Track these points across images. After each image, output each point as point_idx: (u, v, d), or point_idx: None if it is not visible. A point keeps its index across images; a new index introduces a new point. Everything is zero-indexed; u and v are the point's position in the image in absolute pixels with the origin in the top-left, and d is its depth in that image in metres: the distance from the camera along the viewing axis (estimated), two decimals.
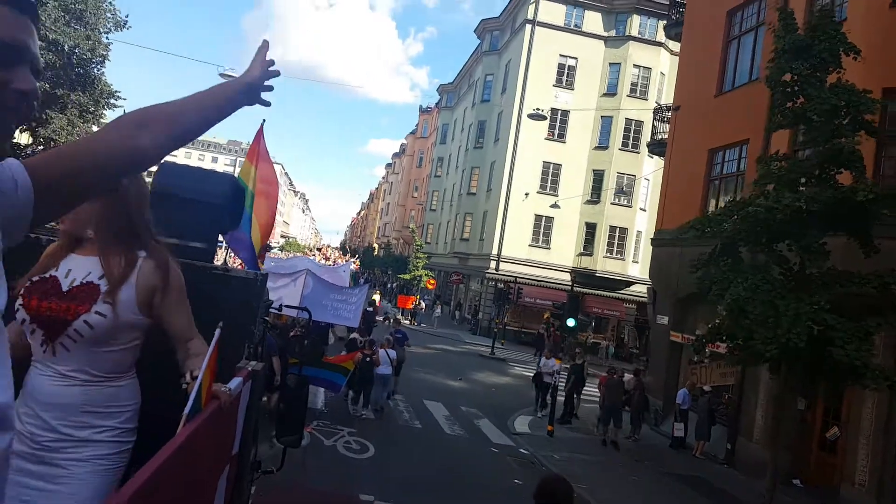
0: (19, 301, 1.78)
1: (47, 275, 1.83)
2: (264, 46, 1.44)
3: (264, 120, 5.51)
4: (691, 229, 8.41)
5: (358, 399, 12.07)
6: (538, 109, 17.21)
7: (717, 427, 13.53)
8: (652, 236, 17.07)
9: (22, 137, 26.36)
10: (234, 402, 1.72)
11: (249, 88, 1.38)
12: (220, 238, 3.24)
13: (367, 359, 11.74)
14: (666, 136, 17.62)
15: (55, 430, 1.75)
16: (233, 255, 10.13)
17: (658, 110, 18.52)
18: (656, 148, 18.34)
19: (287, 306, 7.12)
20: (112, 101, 28.19)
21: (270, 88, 1.45)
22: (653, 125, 18.96)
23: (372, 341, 12.96)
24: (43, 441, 1.74)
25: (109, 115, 29.62)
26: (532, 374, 15.41)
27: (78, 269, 1.84)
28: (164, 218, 2.22)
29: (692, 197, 15.41)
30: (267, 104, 1.48)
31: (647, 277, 32.92)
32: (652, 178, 32.14)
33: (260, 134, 5.43)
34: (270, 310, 3.37)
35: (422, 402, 14.32)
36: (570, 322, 13.56)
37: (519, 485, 9.67)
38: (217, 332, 1.68)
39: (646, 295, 33.16)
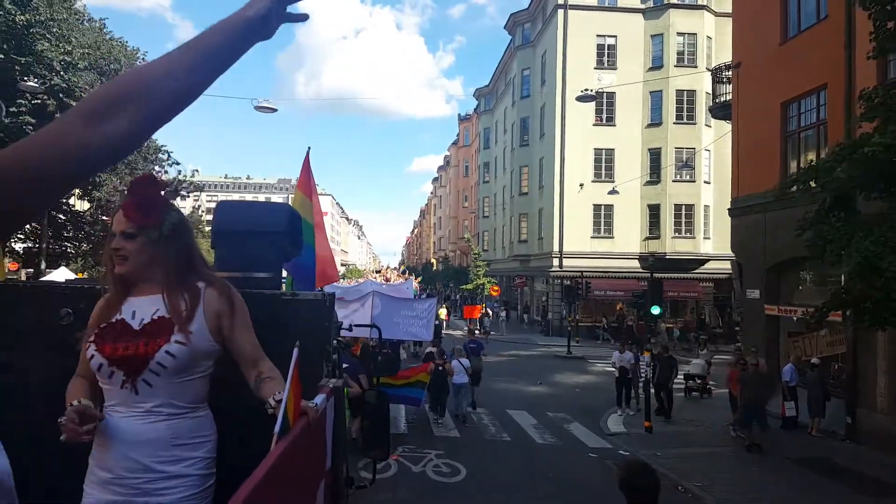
0: (92, 349, 1.82)
1: (113, 319, 1.87)
2: None
3: (309, 148, 5.36)
4: (796, 183, 7.36)
5: (436, 408, 12.48)
6: (586, 90, 16.27)
7: (832, 401, 12.21)
8: (728, 206, 15.80)
9: (78, 204, 27.36)
10: (321, 417, 1.76)
11: (252, 24, 1.05)
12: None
13: (440, 367, 12.11)
14: (729, 98, 16.36)
15: (149, 468, 1.77)
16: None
17: (717, 71, 17.23)
18: (720, 112, 17.06)
19: (357, 325, 7.75)
20: (160, 155, 29.04)
21: (305, 18, 1.15)
22: (713, 88, 17.67)
23: (442, 351, 13.21)
24: (136, 483, 1.76)
25: (158, 171, 30.53)
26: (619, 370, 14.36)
27: (143, 309, 1.88)
28: (229, 253, 2.38)
29: (769, 158, 14.15)
30: (304, 17, 1.17)
31: (723, 253, 31.27)
32: (713, 147, 30.48)
33: (307, 163, 5.25)
34: (342, 330, 3.61)
35: (506, 413, 13.56)
36: (655, 310, 12.53)
37: None
38: (295, 351, 1.75)
39: (722, 271, 31.51)
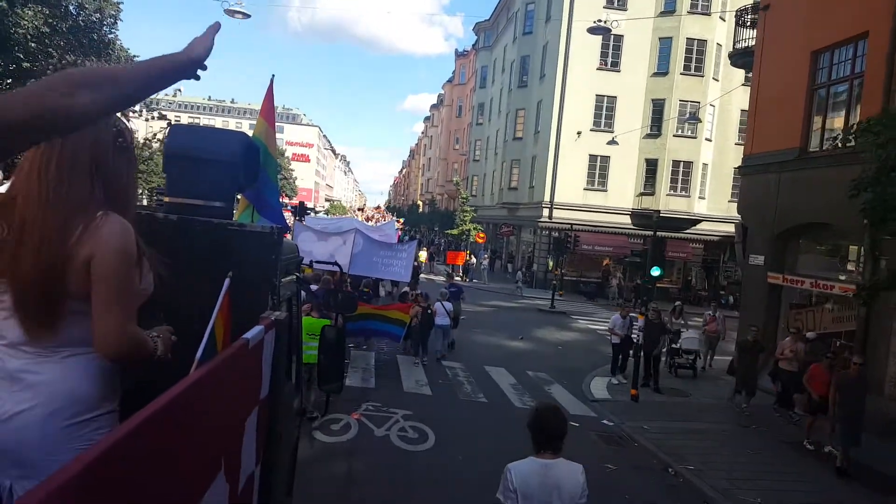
0: None
1: None
2: (215, 27, 1.46)
3: (273, 76, 4.93)
4: (865, 134, 6.14)
5: (418, 350, 12.60)
6: (599, 21, 14.65)
7: None
8: (739, 164, 14.60)
9: None
10: (257, 348, 1.74)
11: (191, 64, 1.39)
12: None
13: (429, 311, 12.43)
14: (752, 45, 14.90)
15: None
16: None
17: (741, 13, 15.66)
18: (740, 59, 15.60)
19: (318, 262, 8.16)
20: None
21: (205, 68, 1.46)
22: (734, 32, 16.14)
23: (426, 295, 13.46)
24: None
25: None
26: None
27: None
28: (180, 179, 2.36)
29: (791, 112, 12.87)
30: (197, 78, 1.47)
31: (717, 214, 30.34)
32: (718, 104, 29.06)
33: (270, 92, 4.94)
34: (304, 265, 3.75)
35: (483, 369, 12.66)
36: (656, 271, 11.49)
37: (612, 471, 7.91)
38: (227, 281, 1.85)
39: (714, 233, 30.61)
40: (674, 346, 13.52)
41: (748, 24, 15.42)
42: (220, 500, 1.41)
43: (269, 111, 4.78)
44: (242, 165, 2.46)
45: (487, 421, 9.40)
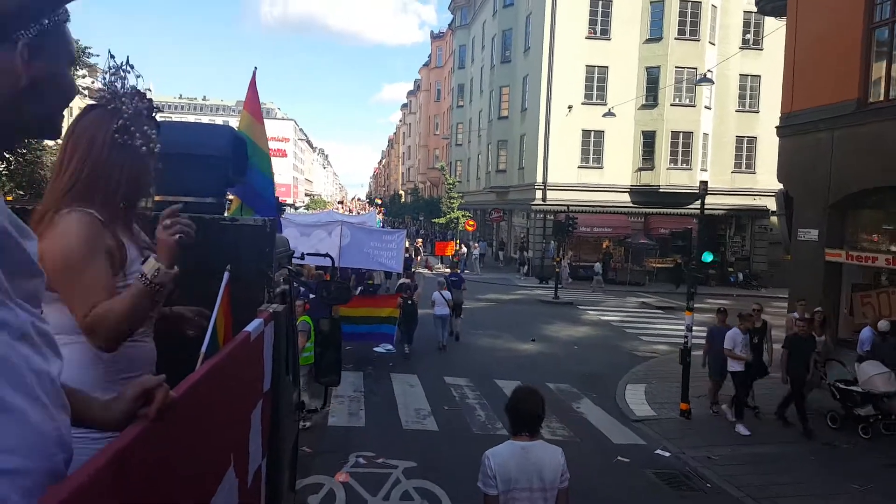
0: None
1: None
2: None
3: (256, 68, 4.54)
4: None
5: (404, 339, 12.26)
6: None
7: None
8: (778, 123, 12.51)
9: None
10: (258, 341, 1.71)
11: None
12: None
13: (409, 301, 12.12)
14: None
15: None
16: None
17: None
18: (769, 3, 13.46)
19: (309, 254, 7.49)
20: (84, 58, 24.24)
21: None
22: None
23: (416, 285, 13.46)
24: None
25: (79, 75, 25.60)
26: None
27: None
28: (169, 176, 2.25)
29: (843, 58, 10.79)
30: None
31: (720, 187, 28.35)
32: (716, 69, 27.04)
33: (253, 84, 4.49)
34: (295, 259, 3.59)
35: (495, 385, 10.50)
36: (707, 257, 9.38)
37: None
38: (225, 275, 1.84)
39: (718, 206, 28.61)
40: (846, 384, 8.83)
41: None
42: (230, 495, 1.38)
43: (253, 104, 4.59)
44: (232, 159, 2.45)
45: None
